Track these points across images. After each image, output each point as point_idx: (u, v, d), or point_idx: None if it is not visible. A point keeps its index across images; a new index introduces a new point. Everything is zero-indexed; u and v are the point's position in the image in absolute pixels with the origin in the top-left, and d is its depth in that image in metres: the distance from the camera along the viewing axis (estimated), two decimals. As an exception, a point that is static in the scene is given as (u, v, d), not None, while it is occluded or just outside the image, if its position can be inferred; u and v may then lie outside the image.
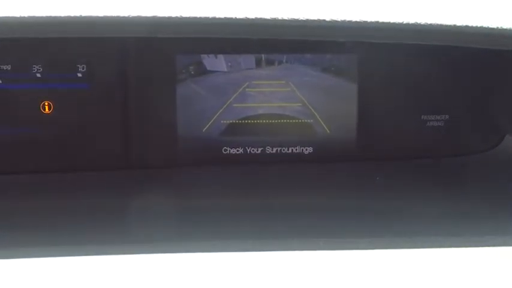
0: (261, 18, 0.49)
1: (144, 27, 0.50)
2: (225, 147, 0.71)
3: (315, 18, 0.49)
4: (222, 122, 0.71)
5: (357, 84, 0.71)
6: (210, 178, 0.69)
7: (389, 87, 0.72)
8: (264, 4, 0.51)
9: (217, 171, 0.70)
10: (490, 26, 0.51)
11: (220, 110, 0.70)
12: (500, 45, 0.53)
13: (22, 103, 0.68)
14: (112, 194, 0.66)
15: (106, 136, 0.70)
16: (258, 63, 0.70)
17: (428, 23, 0.50)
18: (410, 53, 0.69)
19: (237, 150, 0.71)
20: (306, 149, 0.72)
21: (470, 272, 0.50)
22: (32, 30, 0.50)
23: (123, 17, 0.49)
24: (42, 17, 0.48)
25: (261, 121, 0.71)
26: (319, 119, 0.72)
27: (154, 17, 0.49)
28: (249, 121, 0.71)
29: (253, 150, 0.71)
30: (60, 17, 0.48)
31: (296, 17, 0.49)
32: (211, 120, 0.71)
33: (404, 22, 0.50)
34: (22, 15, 0.48)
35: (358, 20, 0.50)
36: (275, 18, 0.49)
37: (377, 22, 0.50)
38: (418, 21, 0.50)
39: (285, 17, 0.49)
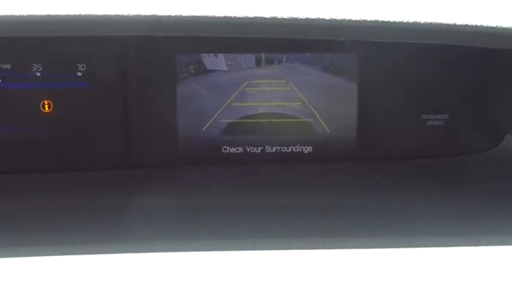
0: (260, 17, 0.49)
1: (144, 26, 0.50)
2: (225, 147, 0.71)
3: (315, 17, 0.49)
4: (222, 121, 0.71)
5: (356, 84, 0.71)
6: (210, 177, 0.69)
7: (390, 87, 0.72)
8: (263, 3, 0.51)
9: (217, 170, 0.70)
10: (490, 25, 0.51)
11: (220, 109, 0.70)
12: (500, 45, 0.53)
13: (22, 102, 0.68)
14: (112, 193, 0.66)
15: (106, 136, 0.70)
16: (258, 63, 0.70)
17: (428, 22, 0.50)
18: (411, 52, 0.69)
19: (237, 150, 0.71)
20: (306, 149, 0.72)
21: (470, 272, 0.50)
22: (32, 29, 0.50)
23: (123, 15, 0.48)
24: (41, 16, 0.48)
25: (261, 120, 0.71)
26: (319, 118, 0.72)
27: (154, 16, 0.49)
28: (249, 120, 0.71)
29: (253, 150, 0.71)
30: (59, 15, 0.48)
31: (296, 16, 0.49)
32: (211, 120, 0.71)
33: (404, 21, 0.50)
34: (22, 14, 0.48)
35: (358, 19, 0.50)
36: (275, 17, 0.49)
37: (377, 21, 0.50)
38: (418, 20, 0.50)
39: (285, 16, 0.49)
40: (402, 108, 0.73)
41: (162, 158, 0.71)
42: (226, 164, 0.71)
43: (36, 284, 0.47)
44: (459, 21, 0.51)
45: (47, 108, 0.68)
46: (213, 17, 0.49)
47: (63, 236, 0.55)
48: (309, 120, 0.72)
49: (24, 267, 0.48)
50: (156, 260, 0.50)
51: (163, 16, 0.49)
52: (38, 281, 0.47)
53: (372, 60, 0.70)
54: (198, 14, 0.49)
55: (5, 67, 0.67)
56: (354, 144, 0.72)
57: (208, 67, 0.70)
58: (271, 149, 0.72)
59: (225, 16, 0.49)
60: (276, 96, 0.71)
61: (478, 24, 0.51)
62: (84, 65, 0.68)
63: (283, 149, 0.72)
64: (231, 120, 0.71)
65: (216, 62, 0.70)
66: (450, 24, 0.50)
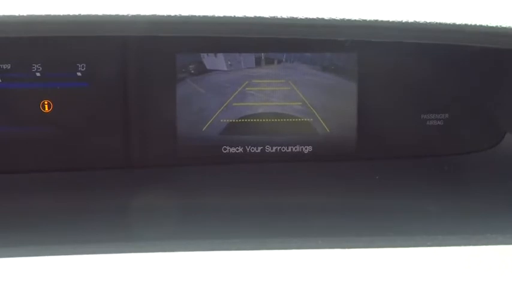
0: (260, 17, 0.49)
1: (143, 26, 0.50)
2: (225, 146, 0.71)
3: (314, 17, 0.49)
4: (221, 121, 0.71)
5: (356, 83, 0.71)
6: (210, 177, 0.69)
7: (389, 87, 0.72)
8: (263, 3, 0.51)
9: (217, 170, 0.70)
10: (490, 25, 0.51)
11: (220, 109, 0.70)
12: (499, 44, 0.53)
13: (22, 102, 0.68)
14: (112, 193, 0.66)
15: (106, 135, 0.70)
16: (258, 62, 0.70)
17: (428, 21, 0.50)
18: (410, 52, 0.69)
19: (237, 150, 0.71)
20: (306, 148, 0.72)
21: (470, 271, 0.50)
22: (32, 29, 0.50)
23: (123, 15, 0.49)
24: (41, 16, 0.48)
25: (261, 120, 0.71)
26: (319, 118, 0.72)
27: (153, 16, 0.49)
28: (249, 120, 0.71)
29: (253, 150, 0.71)
30: (59, 15, 0.48)
31: (295, 16, 0.49)
32: (211, 119, 0.70)
33: (404, 21, 0.50)
34: (21, 14, 0.48)
35: (357, 18, 0.50)
36: (274, 17, 0.49)
37: (376, 21, 0.50)
38: (418, 20, 0.50)
39: (284, 16, 0.49)
40: (402, 108, 0.72)
41: (162, 158, 0.71)
42: (226, 164, 0.71)
43: (36, 284, 0.47)
44: (459, 21, 0.51)
45: (47, 108, 0.68)
46: (213, 17, 0.49)
47: (63, 236, 0.55)
48: (309, 120, 0.72)
49: (24, 267, 0.48)
50: (156, 259, 0.50)
51: (163, 16, 0.49)
52: (38, 281, 0.47)
53: (371, 60, 0.70)
54: (198, 14, 0.49)
55: (5, 67, 0.67)
56: (353, 143, 0.72)
57: (208, 67, 0.70)
58: (271, 149, 0.72)
59: (225, 16, 0.49)
60: (276, 96, 0.71)
61: (478, 24, 0.51)
62: (84, 65, 0.68)
63: (283, 148, 0.72)
64: (231, 120, 0.71)
65: (216, 61, 0.70)
66: (450, 24, 0.50)
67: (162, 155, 0.71)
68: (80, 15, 0.48)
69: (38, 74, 0.67)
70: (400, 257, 0.51)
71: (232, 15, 0.49)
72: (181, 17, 0.49)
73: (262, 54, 0.70)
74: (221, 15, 0.49)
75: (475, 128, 0.74)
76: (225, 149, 0.71)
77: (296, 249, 0.51)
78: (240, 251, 0.51)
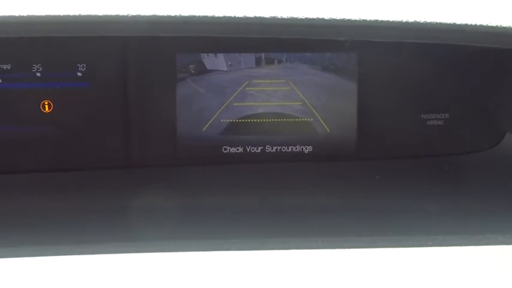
0: (260, 17, 0.49)
1: (143, 26, 0.50)
2: (225, 147, 0.71)
3: (314, 17, 0.49)
4: (222, 121, 0.71)
5: (356, 83, 0.71)
6: (210, 177, 0.69)
7: (389, 86, 0.72)
8: (263, 3, 0.51)
9: (217, 170, 0.70)
10: (490, 25, 0.51)
11: (220, 109, 0.70)
12: (499, 44, 0.53)
13: (22, 102, 0.68)
14: (112, 193, 0.66)
15: (106, 136, 0.70)
16: (258, 62, 0.70)
17: (428, 21, 0.50)
18: (410, 51, 0.69)
19: (237, 150, 0.71)
20: (306, 148, 0.72)
21: (470, 271, 0.49)
22: (32, 30, 0.50)
23: (123, 16, 0.49)
24: (41, 16, 0.48)
25: (261, 120, 0.71)
26: (319, 118, 0.71)
27: (153, 16, 0.49)
28: (249, 120, 0.71)
29: (253, 150, 0.71)
30: (59, 16, 0.48)
31: (295, 16, 0.49)
32: (211, 120, 0.70)
33: (404, 21, 0.50)
34: (21, 15, 0.48)
35: (357, 18, 0.50)
36: (274, 17, 0.49)
37: (376, 21, 0.50)
38: (418, 20, 0.50)
39: (284, 16, 0.49)
40: (402, 108, 0.72)
41: (162, 158, 0.71)
42: (226, 164, 0.71)
43: (36, 284, 0.47)
44: (459, 21, 0.51)
45: (47, 109, 0.68)
46: (213, 17, 0.49)
47: (63, 236, 0.55)
48: (309, 120, 0.72)
49: (24, 267, 0.48)
50: (156, 260, 0.50)
51: (163, 16, 0.49)
52: (38, 281, 0.47)
53: (371, 60, 0.70)
54: (198, 14, 0.49)
55: (5, 67, 0.67)
56: (354, 143, 0.72)
57: (208, 67, 0.70)
58: (272, 149, 0.72)
59: (225, 16, 0.49)
60: (276, 96, 0.71)
61: (478, 24, 0.51)
62: (84, 65, 0.68)
63: (284, 148, 0.72)
64: (231, 120, 0.71)
65: (216, 61, 0.70)
66: (450, 24, 0.50)
67: (162, 155, 0.71)
68: (80, 16, 0.48)
69: (38, 74, 0.67)
70: (400, 257, 0.51)
71: (232, 15, 0.49)
72: (181, 17, 0.49)
73: (262, 54, 0.70)
74: (221, 15, 0.49)
75: (475, 128, 0.74)
76: (225, 149, 0.71)
77: (296, 249, 0.51)
78: (240, 251, 0.51)
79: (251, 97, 0.71)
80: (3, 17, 0.48)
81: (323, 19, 0.49)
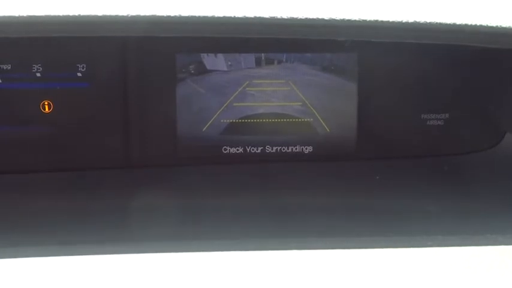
0: (260, 17, 0.49)
1: (143, 26, 0.50)
2: (225, 147, 0.71)
3: (314, 17, 0.49)
4: (222, 121, 0.71)
5: (356, 83, 0.71)
6: (210, 177, 0.69)
7: (389, 87, 0.72)
8: (263, 3, 0.51)
9: (217, 170, 0.70)
10: (490, 25, 0.51)
11: (220, 109, 0.70)
12: (499, 44, 0.53)
13: (22, 102, 0.68)
14: (112, 193, 0.66)
15: (106, 136, 0.70)
16: (258, 62, 0.70)
17: (428, 21, 0.50)
18: (410, 52, 0.69)
19: (237, 150, 0.71)
20: (306, 148, 0.72)
21: (470, 271, 0.50)
22: (32, 29, 0.50)
23: (123, 16, 0.48)
24: (41, 17, 0.48)
25: (261, 120, 0.71)
26: (319, 118, 0.72)
27: (153, 16, 0.49)
28: (249, 120, 0.71)
29: (253, 150, 0.71)
30: (59, 16, 0.48)
31: (295, 16, 0.49)
32: (211, 120, 0.71)
33: (404, 21, 0.50)
34: (21, 15, 0.48)
35: (357, 19, 0.50)
36: (274, 17, 0.49)
37: (376, 21, 0.50)
38: (418, 20, 0.50)
39: (284, 16, 0.49)
40: (402, 108, 0.73)
41: (162, 158, 0.71)
42: (226, 164, 0.71)
43: (36, 284, 0.47)
44: (459, 21, 0.51)
45: (47, 109, 0.68)
46: (213, 17, 0.49)
47: (63, 236, 0.55)
48: (309, 120, 0.72)
49: (24, 267, 0.48)
50: (156, 260, 0.50)
51: (163, 16, 0.49)
52: (38, 281, 0.47)
53: (371, 60, 0.70)
54: (197, 14, 0.49)
55: (5, 67, 0.67)
56: (354, 143, 0.72)
57: (208, 67, 0.70)
58: (272, 149, 0.72)
59: (224, 16, 0.49)
60: (276, 96, 0.71)
61: (478, 24, 0.51)
62: (84, 65, 0.68)
63: (284, 149, 0.72)
64: (231, 120, 0.71)
65: (216, 62, 0.70)
66: (449, 24, 0.50)
67: (162, 155, 0.71)
68: (80, 16, 0.48)
69: (38, 75, 0.67)
70: (400, 257, 0.51)
71: (232, 15, 0.49)
72: (181, 17, 0.49)
73: (262, 54, 0.70)
74: (221, 15, 0.49)
75: (475, 128, 0.74)
76: (225, 149, 0.71)
77: (296, 249, 0.51)
78: (240, 251, 0.51)
79: (251, 97, 0.71)
80: (3, 17, 0.48)
81: (323, 19, 0.49)
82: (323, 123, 0.72)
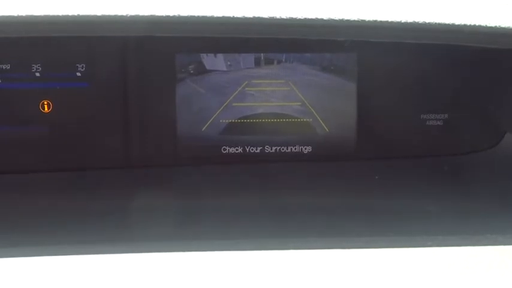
0: (260, 17, 0.49)
1: (143, 26, 0.50)
2: (224, 147, 0.71)
3: (313, 17, 0.49)
4: (221, 121, 0.71)
5: (356, 84, 0.71)
6: (210, 177, 0.69)
7: (389, 86, 0.72)
8: (263, 3, 0.51)
9: (217, 170, 0.70)
10: (489, 25, 0.51)
11: (220, 109, 0.70)
12: (499, 44, 0.53)
13: (21, 102, 0.68)
14: (112, 193, 0.66)
15: (106, 136, 0.70)
16: (258, 63, 0.70)
17: (428, 21, 0.50)
18: (410, 52, 0.69)
19: (236, 150, 0.71)
20: (305, 148, 0.72)
21: (470, 271, 0.49)
22: (32, 30, 0.50)
23: (122, 16, 0.48)
24: (41, 16, 0.48)
25: (261, 120, 0.71)
26: (319, 118, 0.71)
27: (153, 16, 0.49)
28: (249, 120, 0.71)
29: (252, 150, 0.71)
30: (59, 16, 0.48)
31: (294, 16, 0.49)
32: (211, 120, 0.71)
33: (403, 21, 0.50)
34: (21, 15, 0.48)
35: (356, 19, 0.50)
36: (273, 17, 0.49)
37: (376, 21, 0.50)
38: (418, 20, 0.50)
39: (283, 16, 0.49)
40: (402, 108, 0.72)
41: (162, 158, 0.71)
42: (225, 164, 0.71)
43: (36, 284, 0.47)
44: (458, 21, 0.50)
45: (46, 108, 0.68)
46: (213, 17, 0.49)
47: (63, 236, 0.55)
48: (308, 120, 0.72)
49: (24, 267, 0.48)
50: (156, 260, 0.50)
51: (163, 16, 0.49)
52: (38, 281, 0.47)
53: (371, 60, 0.70)
54: (197, 14, 0.49)
55: (4, 67, 0.67)
56: (353, 143, 0.72)
57: (208, 67, 0.70)
58: (271, 149, 0.72)
59: (224, 16, 0.49)
60: (276, 96, 0.71)
61: (477, 24, 0.51)
62: (84, 65, 0.68)
63: (283, 149, 0.72)
64: (230, 120, 0.71)
65: (215, 62, 0.70)
66: (449, 24, 0.50)
67: (162, 155, 0.71)
68: (79, 16, 0.48)
69: (37, 74, 0.67)
70: (400, 257, 0.51)
71: (232, 15, 0.49)
72: (180, 17, 0.49)
73: (262, 54, 0.70)
74: (220, 15, 0.49)
75: (475, 128, 0.74)
76: (224, 149, 0.71)
77: (296, 249, 0.51)
78: (239, 251, 0.51)
79: (250, 97, 0.71)
80: (3, 17, 0.48)
81: (322, 19, 0.49)
82: (322, 123, 0.72)
